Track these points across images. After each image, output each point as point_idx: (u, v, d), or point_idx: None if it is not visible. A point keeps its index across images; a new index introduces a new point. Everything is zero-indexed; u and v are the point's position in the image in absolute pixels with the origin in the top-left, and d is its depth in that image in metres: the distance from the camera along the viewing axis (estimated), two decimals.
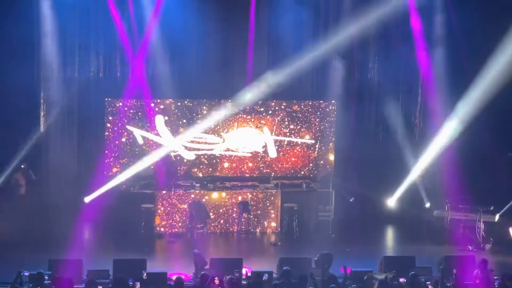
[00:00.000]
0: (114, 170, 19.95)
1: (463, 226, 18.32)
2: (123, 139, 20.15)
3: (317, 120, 20.84)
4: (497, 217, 18.38)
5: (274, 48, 20.54)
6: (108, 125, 20.07)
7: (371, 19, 19.52)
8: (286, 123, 20.75)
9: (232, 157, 20.64)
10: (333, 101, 20.73)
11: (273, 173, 20.60)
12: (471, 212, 18.37)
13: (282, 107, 20.72)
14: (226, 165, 20.55)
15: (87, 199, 18.92)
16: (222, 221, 19.37)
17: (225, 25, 19.98)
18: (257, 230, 19.46)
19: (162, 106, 20.27)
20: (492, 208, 18.47)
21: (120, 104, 20.16)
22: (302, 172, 20.84)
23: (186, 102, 20.36)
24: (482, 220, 18.16)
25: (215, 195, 19.33)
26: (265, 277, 13.12)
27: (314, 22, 20.39)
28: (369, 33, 20.12)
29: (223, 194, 19.34)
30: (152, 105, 20.26)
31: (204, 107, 20.40)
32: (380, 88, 20.89)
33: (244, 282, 13.43)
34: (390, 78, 20.74)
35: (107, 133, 20.11)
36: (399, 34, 20.34)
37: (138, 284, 13.06)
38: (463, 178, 18.80)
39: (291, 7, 19.89)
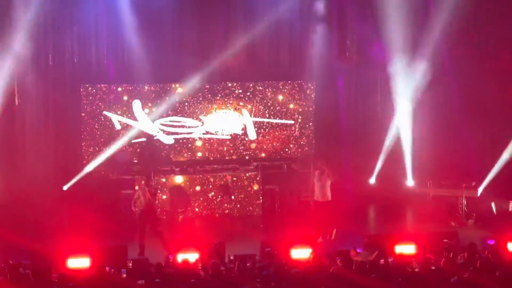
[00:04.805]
0: (91, 155, 19.77)
1: (446, 202, 18.33)
2: (100, 125, 19.94)
3: (296, 100, 20.72)
4: (479, 192, 18.37)
5: (251, 27, 20.40)
6: (84, 113, 19.87)
7: None
8: (266, 104, 20.60)
9: (212, 140, 20.50)
10: (311, 83, 20.64)
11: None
12: (454, 188, 18.36)
13: (261, 88, 20.57)
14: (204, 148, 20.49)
15: (66, 187, 18.78)
16: (203, 205, 19.21)
17: (201, 7, 19.79)
18: (239, 213, 19.32)
19: (138, 91, 20.05)
20: (474, 183, 18.47)
21: (95, 90, 19.94)
22: (283, 153, 20.76)
23: (162, 86, 20.15)
24: (464, 196, 18.15)
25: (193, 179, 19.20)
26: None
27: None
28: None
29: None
30: (129, 89, 20.08)
31: (180, 91, 20.23)
32: (358, 65, 20.77)
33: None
34: (368, 55, 20.61)
35: (83, 118, 19.89)
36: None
37: (124, 272, 12.84)
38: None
39: None
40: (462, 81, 19.85)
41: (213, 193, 19.19)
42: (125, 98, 20.06)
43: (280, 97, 20.66)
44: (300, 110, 20.74)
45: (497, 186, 18.86)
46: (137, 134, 20.17)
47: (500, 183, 18.95)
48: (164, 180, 19.01)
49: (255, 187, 19.36)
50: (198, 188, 19.12)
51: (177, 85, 20.17)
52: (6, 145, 19.25)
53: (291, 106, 20.70)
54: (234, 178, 19.32)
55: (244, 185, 19.36)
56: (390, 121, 20.70)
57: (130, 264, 13.38)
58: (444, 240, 13.94)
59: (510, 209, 18.31)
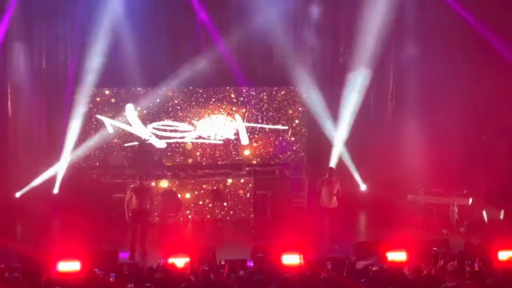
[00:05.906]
0: (83, 159, 19.73)
1: (437, 210, 18.35)
2: (92, 129, 19.88)
3: (291, 106, 20.69)
4: (470, 200, 18.37)
5: (244, 32, 20.39)
6: (76, 117, 19.79)
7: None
8: (260, 109, 20.58)
9: (204, 145, 20.47)
10: (305, 88, 20.59)
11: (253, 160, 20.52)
12: (445, 196, 18.37)
13: (254, 93, 20.55)
14: (197, 153, 20.45)
15: (56, 190, 18.80)
16: (194, 210, 19.16)
17: (194, 10, 19.77)
18: (230, 218, 19.28)
19: (130, 94, 20.01)
20: (465, 191, 18.48)
21: (88, 93, 19.86)
22: (276, 159, 20.74)
23: (154, 89, 20.10)
24: (456, 203, 18.16)
25: (184, 183, 19.17)
26: None
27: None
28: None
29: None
30: (122, 93, 20.03)
31: (173, 95, 20.20)
32: (352, 70, 20.72)
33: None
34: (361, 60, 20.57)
35: (75, 122, 19.83)
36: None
37: (112, 276, 12.79)
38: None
39: None
40: (455, 87, 19.89)
41: (206, 200, 19.14)
42: (118, 101, 20.00)
43: (274, 102, 20.64)
44: (294, 115, 20.72)
45: (489, 194, 18.88)
46: (129, 138, 20.13)
47: (492, 192, 18.98)
48: (154, 184, 18.95)
49: (248, 193, 19.32)
50: (189, 193, 19.08)
51: (169, 89, 20.13)
52: None
53: (288, 111, 20.66)
54: (227, 184, 19.30)
55: (236, 190, 19.33)
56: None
57: (126, 270, 13.32)
58: (434, 248, 13.96)
59: (501, 218, 18.32)
